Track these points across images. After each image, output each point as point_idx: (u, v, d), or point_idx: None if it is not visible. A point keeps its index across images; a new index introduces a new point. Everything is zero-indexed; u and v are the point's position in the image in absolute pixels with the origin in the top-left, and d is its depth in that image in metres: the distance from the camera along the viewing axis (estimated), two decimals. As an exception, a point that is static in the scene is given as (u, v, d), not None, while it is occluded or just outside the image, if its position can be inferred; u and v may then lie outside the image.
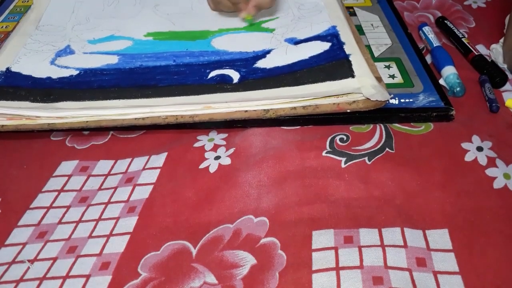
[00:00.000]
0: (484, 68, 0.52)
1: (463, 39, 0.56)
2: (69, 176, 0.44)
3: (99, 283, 0.35)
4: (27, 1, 0.71)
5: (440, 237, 0.36)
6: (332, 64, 0.50)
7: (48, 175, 0.45)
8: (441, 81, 0.51)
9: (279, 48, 0.55)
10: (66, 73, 0.53)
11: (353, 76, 0.48)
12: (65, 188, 0.43)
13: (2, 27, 0.66)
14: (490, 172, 0.41)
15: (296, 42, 0.56)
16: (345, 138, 0.45)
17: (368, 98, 0.45)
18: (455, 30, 0.58)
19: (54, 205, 0.42)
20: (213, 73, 0.52)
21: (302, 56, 0.53)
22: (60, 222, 0.40)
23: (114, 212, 0.40)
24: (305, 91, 0.47)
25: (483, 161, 0.42)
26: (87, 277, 0.35)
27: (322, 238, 0.36)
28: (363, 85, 0.46)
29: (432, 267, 0.34)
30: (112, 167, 0.45)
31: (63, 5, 0.67)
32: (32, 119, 0.47)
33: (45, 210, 0.41)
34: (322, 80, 0.48)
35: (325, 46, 0.54)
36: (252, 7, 0.57)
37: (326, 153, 0.44)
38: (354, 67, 0.49)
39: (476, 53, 0.54)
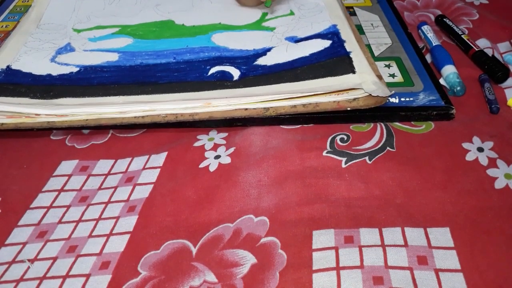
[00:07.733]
0: (485, 64, 0.52)
1: (462, 36, 0.56)
2: (69, 176, 0.44)
3: (99, 282, 0.35)
4: (27, 1, 0.71)
5: (442, 235, 0.36)
6: (333, 60, 0.50)
7: (48, 175, 0.44)
8: (441, 81, 0.50)
9: (280, 46, 0.55)
10: (66, 70, 0.53)
11: (353, 72, 0.48)
12: (65, 188, 0.43)
13: (2, 26, 0.66)
14: (491, 172, 0.41)
15: (297, 40, 0.56)
16: (345, 138, 0.45)
17: (368, 95, 0.45)
18: (455, 28, 0.58)
19: (54, 204, 0.42)
20: (213, 70, 0.52)
21: (302, 53, 0.53)
22: (60, 222, 0.40)
23: (114, 212, 0.40)
24: (305, 86, 0.47)
25: (484, 161, 0.42)
26: (87, 276, 0.35)
27: (322, 238, 0.36)
28: (363, 81, 0.46)
29: (433, 264, 0.34)
30: (112, 166, 0.45)
31: (64, 4, 0.67)
32: (31, 117, 0.47)
33: (45, 209, 0.41)
34: (322, 76, 0.48)
35: (325, 43, 0.54)
36: None
37: (327, 153, 0.44)
38: (355, 63, 0.49)
39: (477, 49, 0.54)
